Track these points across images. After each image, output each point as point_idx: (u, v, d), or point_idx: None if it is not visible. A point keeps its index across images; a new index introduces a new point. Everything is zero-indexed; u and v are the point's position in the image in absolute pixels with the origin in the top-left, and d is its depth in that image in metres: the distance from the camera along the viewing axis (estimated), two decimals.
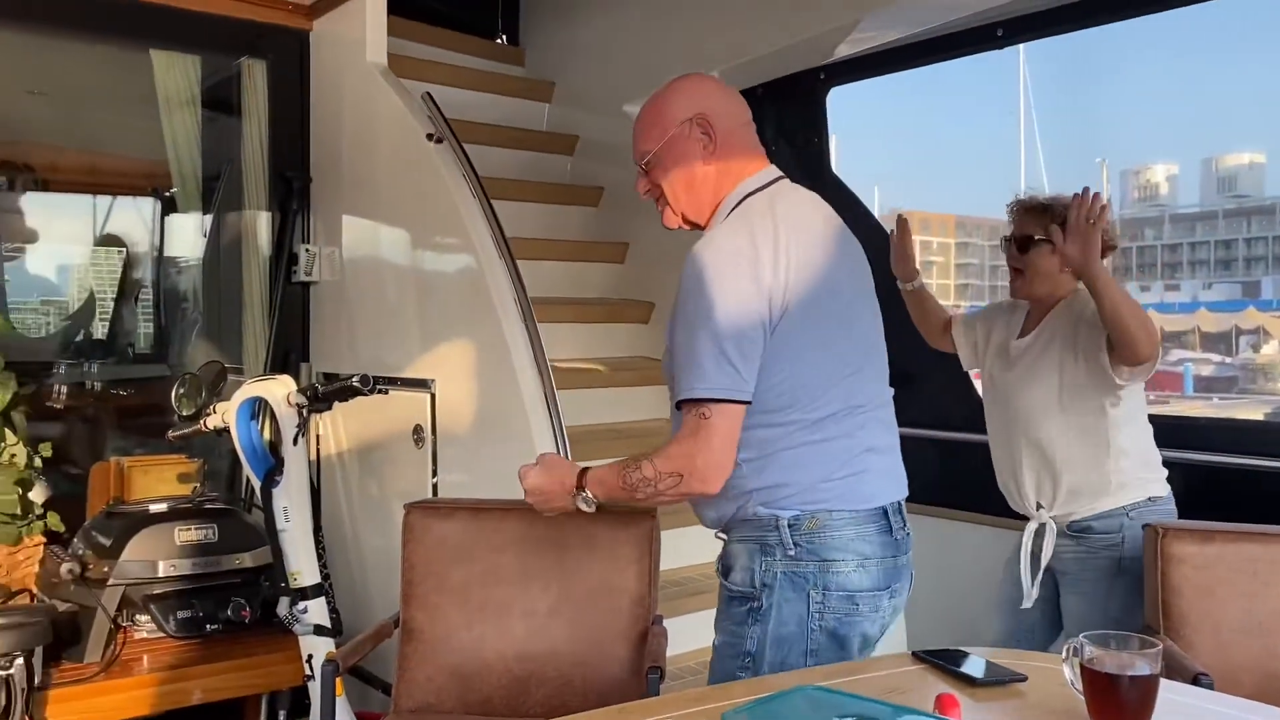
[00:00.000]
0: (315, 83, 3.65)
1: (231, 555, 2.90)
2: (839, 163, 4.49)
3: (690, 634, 3.13)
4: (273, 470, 2.62)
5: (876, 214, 4.60)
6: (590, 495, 1.83)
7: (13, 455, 2.90)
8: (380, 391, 2.62)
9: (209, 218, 4.24)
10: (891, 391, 1.93)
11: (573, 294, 3.76)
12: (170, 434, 2.87)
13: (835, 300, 1.81)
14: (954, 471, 3.29)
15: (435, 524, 2.39)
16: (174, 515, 2.89)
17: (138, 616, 2.85)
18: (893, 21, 3.24)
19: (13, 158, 5.02)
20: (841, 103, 4.12)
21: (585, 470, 1.86)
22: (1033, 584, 2.51)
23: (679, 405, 1.73)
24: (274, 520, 2.59)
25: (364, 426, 3.45)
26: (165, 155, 5.18)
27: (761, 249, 1.72)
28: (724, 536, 1.89)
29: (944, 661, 1.55)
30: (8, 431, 2.92)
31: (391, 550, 3.24)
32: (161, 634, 2.80)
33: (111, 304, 6.91)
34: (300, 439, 2.60)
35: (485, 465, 2.99)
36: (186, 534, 2.85)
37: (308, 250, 3.61)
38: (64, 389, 4.36)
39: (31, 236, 6.04)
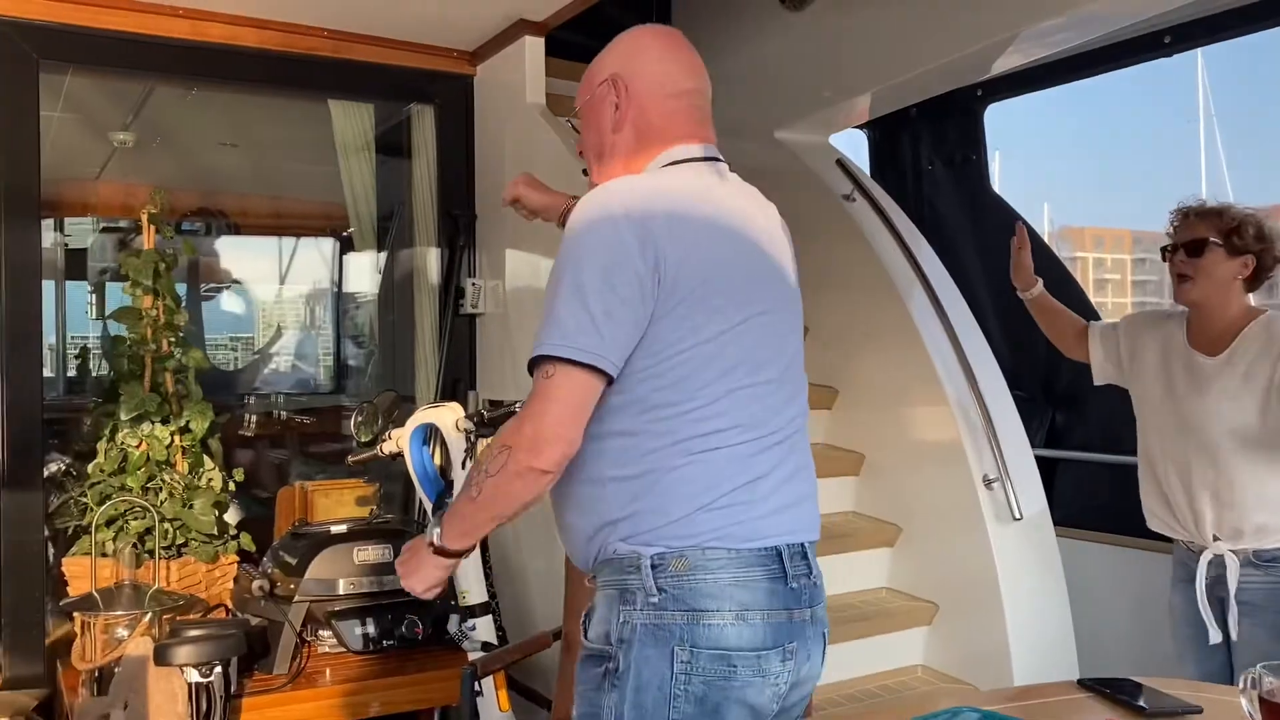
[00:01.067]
0: (479, 124, 3.83)
1: None
2: (1001, 180, 4.38)
3: (847, 663, 3.11)
4: (443, 493, 2.75)
5: (1045, 232, 4.47)
6: (436, 528, 1.58)
7: (210, 480, 3.14)
8: None
9: (383, 255, 4.49)
10: (806, 418, 1.64)
11: None
12: (349, 459, 3.05)
13: (743, 295, 1.53)
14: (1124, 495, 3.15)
15: None
16: (353, 536, 3.06)
17: (320, 631, 3.02)
18: (1052, 35, 3.17)
19: (209, 205, 5.46)
20: (1003, 118, 4.04)
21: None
22: (1215, 618, 2.38)
23: (530, 371, 1.46)
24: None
25: None
26: (343, 198, 5.53)
27: (656, 211, 1.46)
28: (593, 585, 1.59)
29: (1112, 690, 1.50)
30: (206, 458, 3.16)
31: (553, 570, 3.35)
32: (342, 649, 2.96)
33: (295, 339, 7.38)
34: (468, 462, 2.72)
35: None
36: (364, 554, 3.01)
37: (474, 284, 3.78)
38: (254, 418, 4.70)
39: (225, 277, 6.54)
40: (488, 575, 2.83)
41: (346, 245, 7.42)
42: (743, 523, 1.45)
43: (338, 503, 3.61)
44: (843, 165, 3.80)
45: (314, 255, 7.62)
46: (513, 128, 3.65)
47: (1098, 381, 2.79)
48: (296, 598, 2.92)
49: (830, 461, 3.55)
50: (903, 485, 3.41)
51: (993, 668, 3.06)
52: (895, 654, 3.26)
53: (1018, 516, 3.13)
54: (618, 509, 1.46)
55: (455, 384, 3.81)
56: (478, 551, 2.76)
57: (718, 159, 1.68)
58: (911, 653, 3.29)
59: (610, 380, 1.44)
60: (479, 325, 3.86)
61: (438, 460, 2.89)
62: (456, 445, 2.72)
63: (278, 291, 7.31)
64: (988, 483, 3.16)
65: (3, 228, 3.13)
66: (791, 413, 1.59)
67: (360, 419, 3.17)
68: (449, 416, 2.75)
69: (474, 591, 2.69)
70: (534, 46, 3.46)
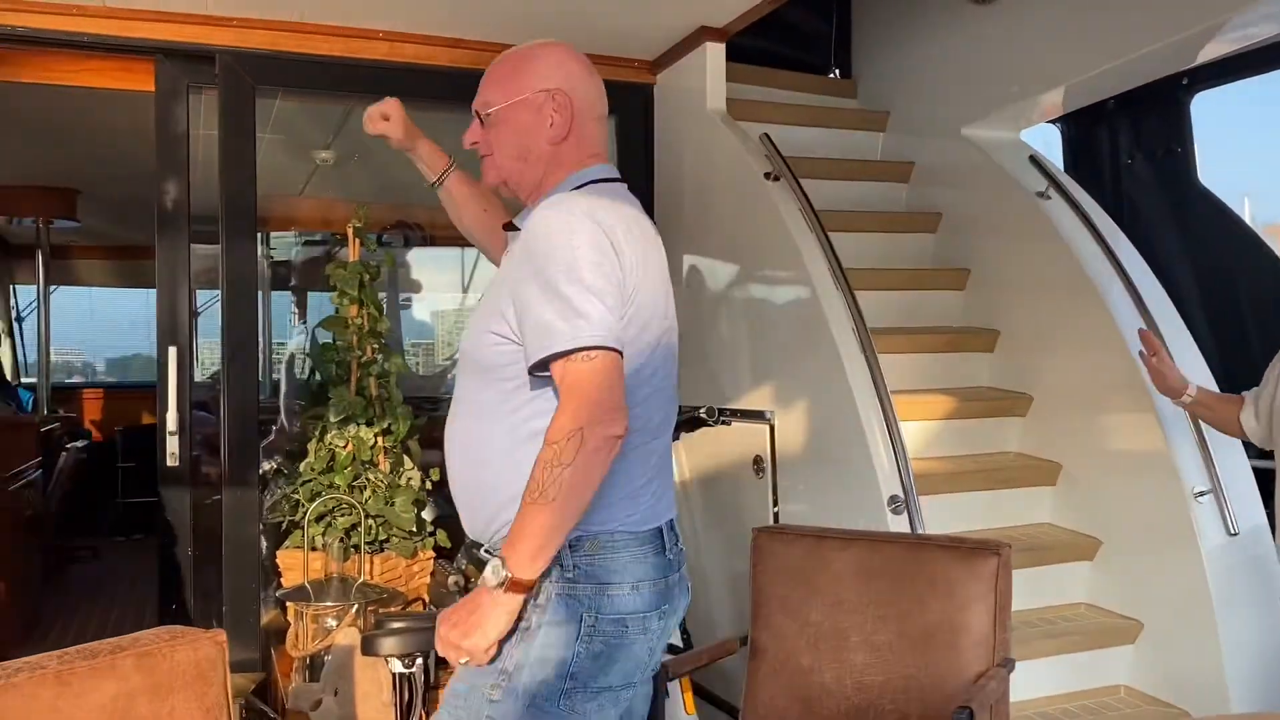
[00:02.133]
0: (658, 131, 3.88)
1: None
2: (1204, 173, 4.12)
3: (1046, 677, 2.98)
4: None
5: None
6: (498, 562, 1.55)
7: (409, 479, 3.30)
8: (724, 423, 2.73)
9: None
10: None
11: (912, 323, 3.70)
12: None
13: (663, 309, 1.74)
14: None
15: (780, 549, 2.44)
16: None
17: None
18: (1269, 17, 2.94)
19: (405, 218, 5.73)
20: (1205, 108, 3.79)
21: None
22: None
23: (550, 361, 1.54)
24: None
25: (706, 456, 3.59)
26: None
27: (616, 225, 1.61)
28: (489, 553, 1.68)
29: None
30: (406, 458, 3.33)
31: (733, 576, 3.36)
32: None
33: None
34: None
35: (826, 496, 3.01)
36: None
37: None
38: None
39: (414, 286, 6.85)
40: None
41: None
42: (643, 510, 1.68)
43: None
44: (1036, 162, 3.64)
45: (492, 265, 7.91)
46: (692, 134, 3.68)
47: (1256, 442, 2.60)
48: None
49: (1025, 471, 3.41)
50: (1103, 496, 3.24)
51: (1206, 692, 2.87)
52: (1095, 672, 3.10)
53: (1233, 532, 2.93)
54: None
55: None
56: None
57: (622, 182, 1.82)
58: (1113, 672, 3.12)
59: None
60: None
61: None
62: None
63: (462, 298, 7.60)
64: (1198, 495, 2.97)
65: (224, 243, 3.39)
66: (671, 411, 1.82)
67: None
68: None
69: None
70: (715, 53, 3.48)
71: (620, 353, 1.57)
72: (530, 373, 1.61)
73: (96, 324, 9.81)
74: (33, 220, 6.47)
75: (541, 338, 1.56)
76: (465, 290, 7.25)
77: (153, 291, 3.32)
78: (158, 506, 3.36)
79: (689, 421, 2.73)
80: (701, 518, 3.65)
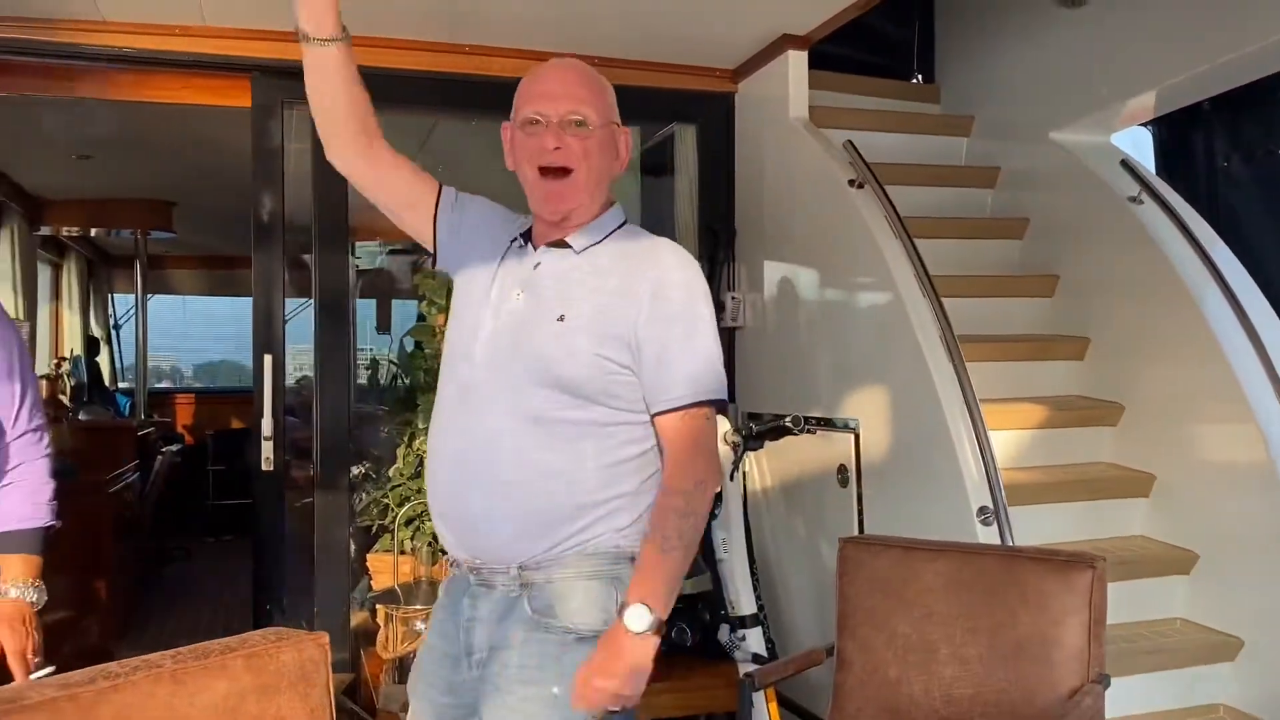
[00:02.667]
0: (739, 140, 3.89)
1: None
2: None
3: (1141, 695, 2.91)
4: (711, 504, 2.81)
5: None
6: (643, 609, 1.56)
7: None
8: (809, 431, 2.72)
9: None
10: None
11: (999, 330, 3.65)
12: None
13: None
14: None
15: (868, 559, 2.42)
16: None
17: None
18: None
19: None
20: None
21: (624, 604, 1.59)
22: None
23: (690, 406, 1.65)
24: (713, 551, 2.76)
25: (788, 464, 3.57)
26: None
27: None
28: (532, 576, 1.67)
29: None
30: None
31: (816, 585, 3.34)
32: None
33: None
34: (736, 474, 2.76)
35: (913, 506, 2.98)
36: None
37: (733, 297, 3.83)
38: None
39: None
40: (755, 586, 2.86)
41: None
42: None
43: None
44: (1128, 166, 3.56)
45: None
46: (774, 142, 3.68)
47: None
48: None
49: (1117, 482, 3.34)
50: (1200, 509, 3.15)
51: None
52: (1193, 690, 3.01)
53: None
54: (625, 517, 1.68)
55: None
56: (747, 563, 2.80)
57: None
58: (1212, 690, 3.02)
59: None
60: (738, 338, 3.90)
61: None
62: (724, 458, 2.77)
63: None
64: None
65: (317, 253, 3.49)
66: None
67: None
68: (717, 429, 2.81)
69: (743, 602, 2.73)
70: (797, 60, 3.48)
71: None
72: (653, 413, 1.68)
73: (186, 331, 10.13)
74: (131, 232, 6.71)
75: (687, 384, 1.66)
76: None
77: (240, 299, 3.44)
78: (247, 509, 3.46)
79: (773, 430, 2.73)
80: (782, 526, 3.64)
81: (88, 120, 4.53)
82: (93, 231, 6.95)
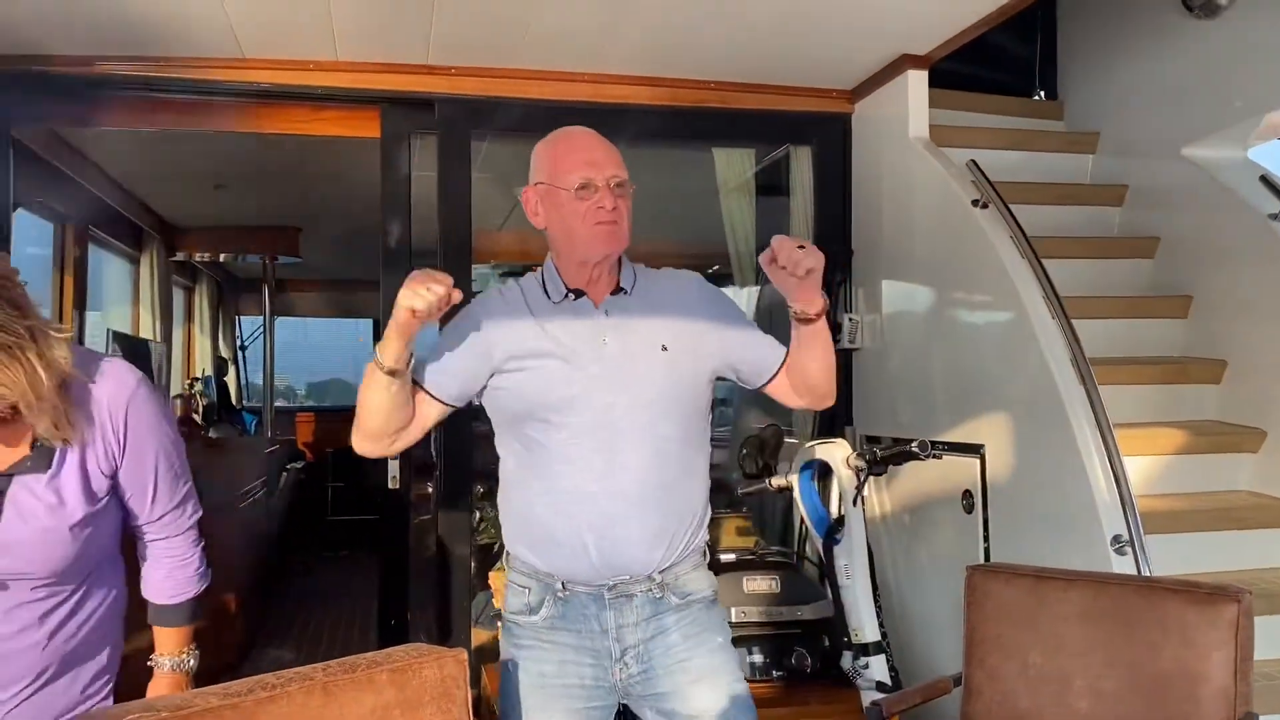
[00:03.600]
0: (856, 160, 3.86)
1: (793, 606, 3.10)
2: None
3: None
4: (833, 529, 2.78)
5: None
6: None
7: None
8: (935, 456, 2.67)
9: (752, 291, 4.62)
10: None
11: (1129, 353, 3.53)
12: (739, 490, 3.16)
13: None
14: None
15: (997, 588, 2.37)
16: (742, 565, 3.16)
17: None
18: None
19: None
20: None
21: None
22: None
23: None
24: (835, 577, 2.74)
25: (909, 489, 3.51)
26: (707, 238, 5.69)
27: None
28: (666, 578, 2.02)
29: None
30: None
31: (940, 613, 3.27)
32: None
33: None
34: (859, 500, 2.74)
35: (1041, 533, 2.90)
36: (753, 584, 3.10)
37: (850, 319, 3.79)
38: None
39: None
40: (878, 613, 2.82)
41: (714, 282, 7.74)
42: None
43: (722, 531, 3.74)
44: (1268, 181, 3.42)
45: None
46: (891, 162, 3.64)
47: None
48: None
49: (1259, 511, 3.17)
50: None
51: None
52: None
53: None
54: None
55: (832, 419, 3.83)
56: (870, 589, 2.76)
57: None
58: None
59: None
60: (855, 360, 3.86)
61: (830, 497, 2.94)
62: (847, 483, 2.75)
63: None
64: None
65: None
66: None
67: (745, 452, 3.28)
68: (839, 453, 2.78)
69: (866, 629, 2.70)
70: (917, 80, 3.44)
71: None
72: (758, 386, 2.09)
73: (305, 351, 10.49)
74: (259, 257, 7.01)
75: (772, 345, 2.07)
76: None
77: (355, 321, 3.53)
78: (364, 524, 3.55)
79: (898, 455, 2.69)
80: (903, 552, 3.57)
81: (224, 152, 4.76)
82: (222, 257, 7.28)
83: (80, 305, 5.01)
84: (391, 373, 1.90)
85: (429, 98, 3.54)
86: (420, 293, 1.83)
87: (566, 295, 2.02)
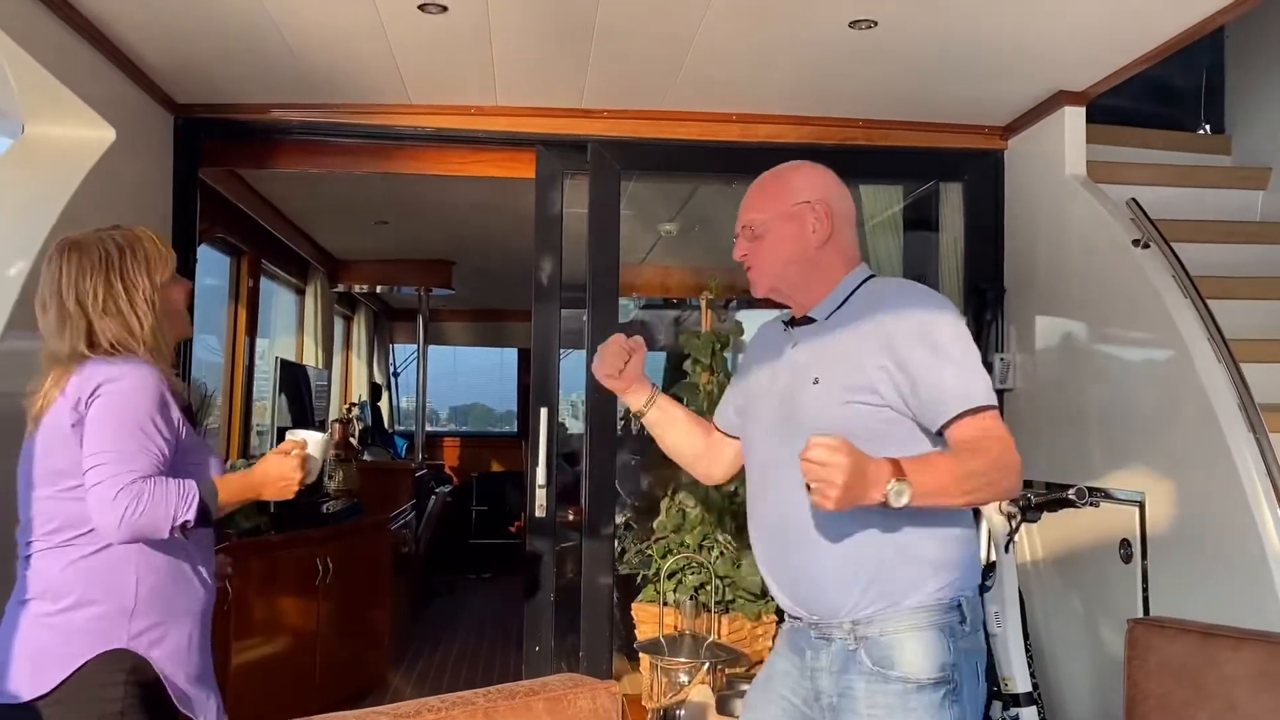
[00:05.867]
0: (1009, 197, 3.79)
1: None
2: None
3: None
4: (983, 575, 2.73)
5: None
6: (907, 485, 1.64)
7: None
8: (1092, 504, 2.60)
9: None
10: None
11: None
12: None
13: None
14: None
15: (1160, 643, 2.28)
16: None
17: None
18: None
19: (736, 284, 5.94)
20: None
21: (896, 460, 1.67)
22: None
23: (969, 413, 1.78)
24: (985, 624, 2.68)
25: (1061, 537, 3.41)
26: None
27: None
28: (866, 630, 1.84)
29: None
30: None
31: (1095, 666, 3.16)
32: None
33: None
34: (1011, 547, 2.68)
35: (1205, 587, 2.77)
36: None
37: (1002, 359, 3.72)
38: None
39: (741, 347, 7.01)
40: (1029, 663, 2.75)
41: None
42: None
43: None
44: None
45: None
46: (1046, 199, 3.56)
47: None
48: None
49: None
50: None
51: None
52: None
53: None
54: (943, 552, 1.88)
55: None
56: (1022, 638, 2.69)
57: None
58: None
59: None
60: (1007, 401, 3.77)
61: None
62: (999, 529, 2.69)
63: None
64: None
65: (590, 310, 3.69)
66: None
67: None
68: None
69: (1018, 679, 2.63)
70: (1074, 117, 3.37)
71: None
72: (939, 431, 1.82)
73: (448, 378, 10.86)
74: (414, 289, 7.33)
75: (955, 399, 1.79)
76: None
77: (500, 350, 3.65)
78: (505, 548, 3.65)
79: (1053, 502, 2.62)
80: (1054, 601, 3.46)
81: (385, 190, 5.02)
82: (379, 288, 7.63)
83: (251, 332, 5.34)
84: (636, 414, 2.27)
85: (582, 140, 3.66)
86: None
87: (784, 331, 2.09)
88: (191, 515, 1.95)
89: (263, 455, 2.34)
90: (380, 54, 3.09)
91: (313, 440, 2.17)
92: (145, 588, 2.02)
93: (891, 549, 1.83)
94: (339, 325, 7.61)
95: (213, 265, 5.17)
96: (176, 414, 2.06)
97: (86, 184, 2.86)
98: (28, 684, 1.94)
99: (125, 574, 2.01)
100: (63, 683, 1.94)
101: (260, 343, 5.51)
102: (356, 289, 7.43)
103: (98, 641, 1.97)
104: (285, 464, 2.13)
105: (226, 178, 4.42)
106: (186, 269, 3.65)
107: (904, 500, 1.64)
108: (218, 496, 2.04)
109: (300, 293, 6.58)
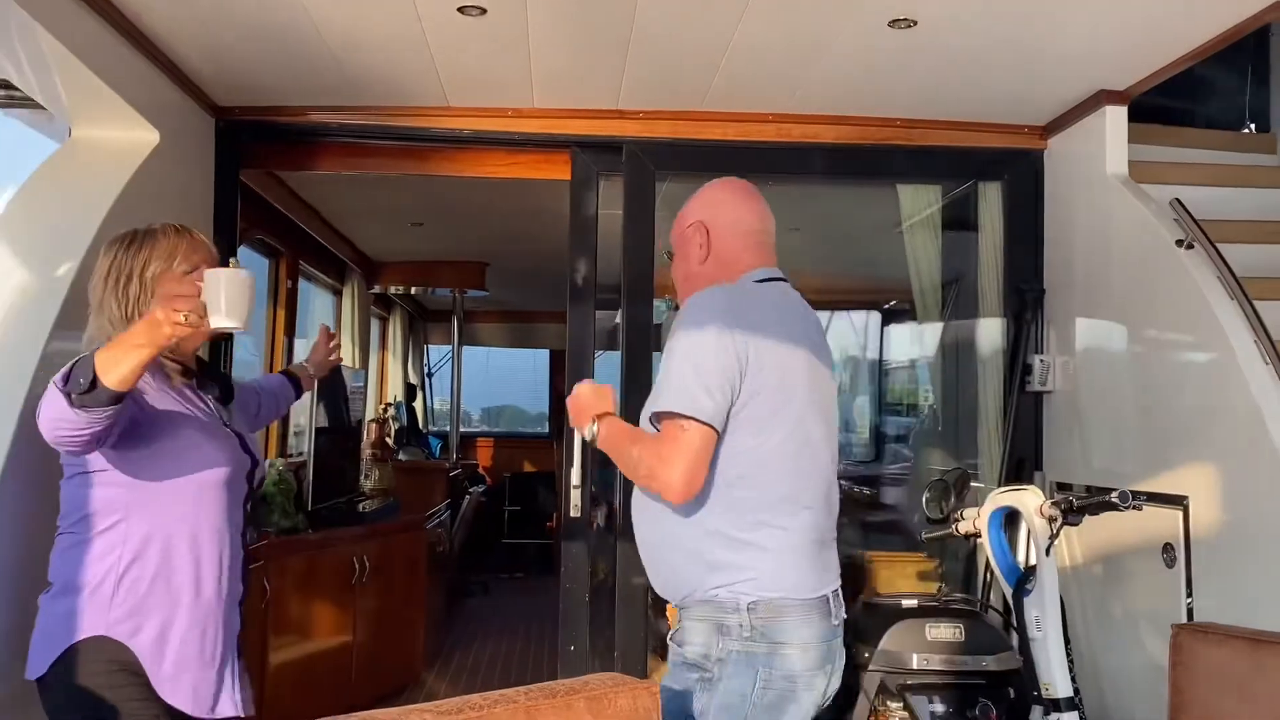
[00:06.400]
0: (1049, 197, 3.75)
1: (978, 656, 3.00)
2: None
3: None
4: (1023, 579, 2.70)
5: None
6: (595, 431, 2.16)
7: None
8: (1135, 507, 2.56)
9: (934, 328, 4.53)
10: (835, 486, 2.17)
11: None
12: (924, 535, 3.11)
13: (795, 391, 2.07)
14: None
15: (1207, 650, 2.25)
16: (924, 612, 3.09)
17: (890, 702, 3.08)
18: None
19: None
20: None
21: (608, 414, 2.17)
22: None
23: (658, 419, 2.03)
24: (1025, 629, 2.65)
25: (1102, 540, 3.37)
26: (884, 274, 5.60)
27: (738, 318, 2.02)
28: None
29: None
30: None
31: (1136, 671, 3.12)
32: None
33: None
34: (1051, 550, 2.65)
35: (1254, 593, 2.73)
36: (936, 631, 3.02)
37: (1041, 360, 3.68)
38: None
39: None
40: (1070, 668, 2.71)
41: (888, 317, 7.62)
42: (809, 579, 2.05)
43: (899, 575, 3.69)
44: None
45: (849, 328, 7.90)
46: (1088, 199, 3.52)
47: None
48: (870, 667, 3.02)
49: None
50: None
51: None
52: None
53: None
54: (721, 555, 2.06)
55: (1020, 464, 3.72)
56: (1063, 643, 2.66)
57: (784, 279, 2.23)
58: None
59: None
60: (1046, 403, 3.74)
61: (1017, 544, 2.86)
62: (1040, 532, 2.66)
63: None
64: None
65: (625, 311, 3.69)
66: (819, 481, 2.13)
67: (930, 495, 3.22)
68: (1032, 500, 2.70)
69: (1059, 684, 2.60)
70: (1115, 116, 3.33)
71: (714, 430, 1.99)
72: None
73: (480, 379, 10.91)
74: (449, 290, 7.37)
75: (661, 397, 2.05)
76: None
77: (533, 351, 3.66)
78: (537, 548, 3.65)
79: (1096, 504, 2.59)
80: (1094, 605, 3.42)
81: (421, 193, 5.05)
82: (414, 290, 7.68)
83: (290, 333, 5.39)
84: None
85: (617, 141, 3.66)
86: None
87: None
88: (60, 381, 1.78)
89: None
90: (419, 56, 3.11)
91: (210, 274, 1.89)
92: (128, 578, 2.03)
93: (684, 550, 2.09)
94: (375, 326, 7.67)
95: (251, 267, 5.21)
96: (147, 382, 2.03)
97: (131, 185, 2.90)
98: (32, 666, 2.02)
99: (107, 562, 2.03)
100: (52, 666, 1.99)
101: (299, 343, 5.55)
102: (392, 290, 7.48)
103: (79, 628, 2.00)
104: (159, 302, 1.87)
105: (265, 180, 4.46)
106: None
107: (588, 437, 2.18)
108: (95, 357, 1.80)
109: (337, 294, 6.63)
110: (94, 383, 1.76)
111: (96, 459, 2.01)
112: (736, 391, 2.01)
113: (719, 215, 2.24)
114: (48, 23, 2.41)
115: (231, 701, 2.16)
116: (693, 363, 2.00)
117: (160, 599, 2.06)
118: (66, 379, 1.77)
